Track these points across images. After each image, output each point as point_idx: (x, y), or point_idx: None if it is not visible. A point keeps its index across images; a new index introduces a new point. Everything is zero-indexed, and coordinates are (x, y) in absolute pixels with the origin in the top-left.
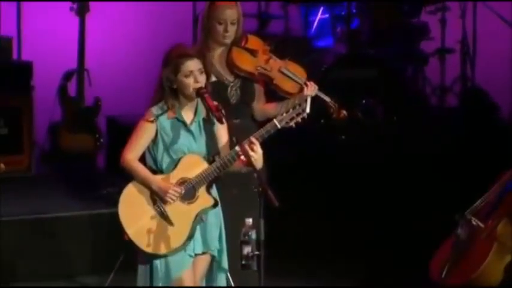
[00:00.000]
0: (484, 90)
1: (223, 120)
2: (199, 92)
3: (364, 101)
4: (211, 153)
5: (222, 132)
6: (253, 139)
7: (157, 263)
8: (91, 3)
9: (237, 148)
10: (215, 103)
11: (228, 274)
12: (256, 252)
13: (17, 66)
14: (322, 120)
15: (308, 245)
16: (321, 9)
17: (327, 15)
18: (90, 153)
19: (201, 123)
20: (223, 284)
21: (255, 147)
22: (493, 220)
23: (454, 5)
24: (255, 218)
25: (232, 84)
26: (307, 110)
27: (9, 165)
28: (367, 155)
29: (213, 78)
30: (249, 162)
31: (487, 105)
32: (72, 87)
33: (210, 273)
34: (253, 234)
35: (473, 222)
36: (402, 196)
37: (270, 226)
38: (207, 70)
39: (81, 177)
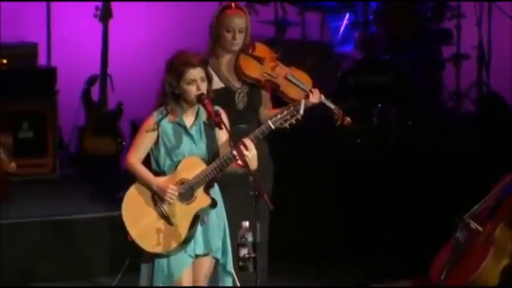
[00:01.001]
0: (499, 96)
1: (222, 125)
2: (200, 99)
3: (379, 105)
4: (211, 155)
5: (222, 136)
6: (246, 140)
7: (159, 262)
8: (114, 10)
9: (231, 151)
10: (215, 109)
11: (235, 275)
12: (253, 255)
13: (42, 72)
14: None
15: (321, 245)
16: (347, 15)
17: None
18: (112, 156)
19: (202, 127)
20: None
21: (248, 148)
22: (491, 224)
23: (469, 12)
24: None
25: (239, 90)
26: (301, 111)
27: (34, 168)
28: (381, 158)
29: (221, 85)
30: (244, 164)
31: (503, 110)
32: (95, 92)
33: (216, 277)
34: (249, 237)
35: (472, 226)
36: (415, 199)
37: (283, 227)
38: (210, 77)
39: (104, 180)
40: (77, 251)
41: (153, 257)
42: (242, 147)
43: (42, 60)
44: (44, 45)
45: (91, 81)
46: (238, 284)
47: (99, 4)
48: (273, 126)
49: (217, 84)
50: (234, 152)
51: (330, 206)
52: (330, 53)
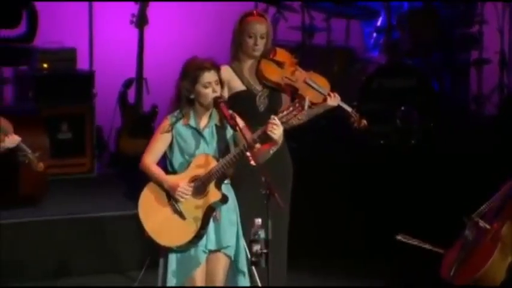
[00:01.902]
0: None
1: (237, 127)
2: (216, 102)
3: (402, 108)
4: (223, 156)
5: (239, 137)
6: (275, 119)
7: (172, 256)
8: (150, 16)
9: (241, 147)
10: (230, 112)
11: (255, 271)
12: (265, 251)
13: (80, 75)
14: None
15: (339, 245)
16: (379, 20)
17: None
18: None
19: (214, 129)
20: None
21: (278, 125)
22: (498, 222)
23: (491, 18)
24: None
25: (260, 93)
26: (306, 107)
27: (73, 167)
28: (403, 159)
29: (243, 88)
30: (255, 161)
31: None
32: (131, 95)
33: (231, 276)
34: (262, 234)
35: (480, 224)
36: (435, 199)
37: (301, 225)
38: (222, 81)
39: (138, 179)
40: (109, 246)
41: (167, 251)
42: (272, 125)
43: (80, 64)
44: (82, 49)
45: (127, 84)
46: (258, 282)
47: (135, 11)
48: (278, 122)
49: (239, 87)
50: (248, 153)
51: (352, 206)
52: (355, 57)
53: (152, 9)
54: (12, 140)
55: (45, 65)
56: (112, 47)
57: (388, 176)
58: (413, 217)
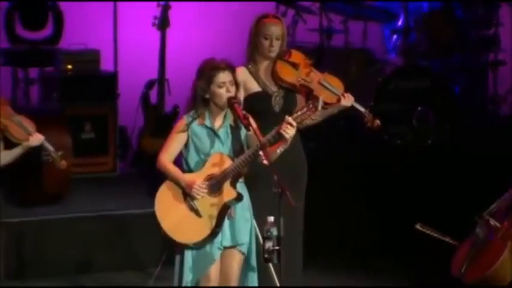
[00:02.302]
0: None
1: (250, 127)
2: (230, 102)
3: (419, 109)
4: (237, 155)
5: (251, 136)
6: (290, 119)
7: (188, 253)
8: (172, 19)
9: (255, 147)
10: (243, 112)
11: (272, 268)
12: (277, 247)
13: (104, 76)
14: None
15: (355, 244)
16: (400, 22)
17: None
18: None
19: (229, 129)
20: (255, 283)
21: (293, 125)
22: (508, 221)
23: (505, 20)
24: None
25: (276, 94)
26: (319, 108)
27: (96, 166)
28: (419, 159)
29: (259, 89)
30: (268, 160)
31: None
32: (153, 95)
33: (242, 272)
34: (274, 231)
35: (491, 223)
36: (450, 198)
37: (317, 223)
38: (237, 83)
39: (160, 178)
40: (130, 243)
41: (183, 248)
42: (287, 124)
43: (105, 65)
44: (106, 51)
45: (149, 85)
46: (276, 279)
47: (158, 14)
48: (293, 123)
49: (255, 88)
50: (261, 152)
51: (368, 205)
52: (372, 59)
53: (174, 12)
54: (36, 138)
55: (69, 66)
56: (136, 49)
57: (403, 176)
58: (428, 216)
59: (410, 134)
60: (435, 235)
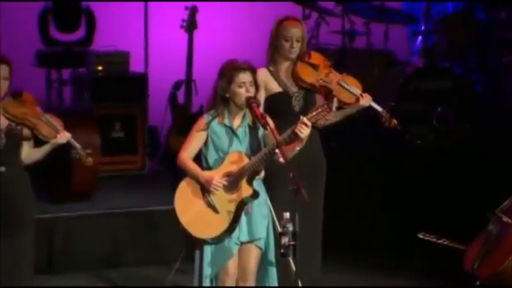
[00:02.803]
0: None
1: (268, 127)
2: (248, 102)
3: (439, 109)
4: (254, 154)
5: (268, 135)
6: (305, 119)
7: (207, 248)
8: (199, 21)
9: (272, 146)
10: (261, 111)
11: (292, 264)
12: (292, 242)
13: (133, 77)
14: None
15: (375, 240)
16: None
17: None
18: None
19: (247, 129)
20: (274, 278)
21: (308, 125)
22: None
23: None
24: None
25: (296, 94)
26: (333, 108)
27: (125, 164)
28: (439, 159)
29: (280, 89)
30: (284, 158)
31: None
32: (180, 96)
33: (262, 267)
34: (290, 227)
35: (503, 219)
36: (470, 197)
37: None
38: (257, 84)
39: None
40: (157, 239)
41: (202, 243)
42: (302, 124)
43: (136, 66)
44: (137, 52)
45: (177, 85)
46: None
47: (185, 16)
48: (308, 123)
49: (275, 88)
50: (277, 151)
51: (387, 203)
52: (394, 60)
53: (201, 14)
54: (63, 136)
55: (99, 68)
56: (165, 50)
57: (423, 176)
58: (446, 216)
59: (431, 134)
60: (439, 242)
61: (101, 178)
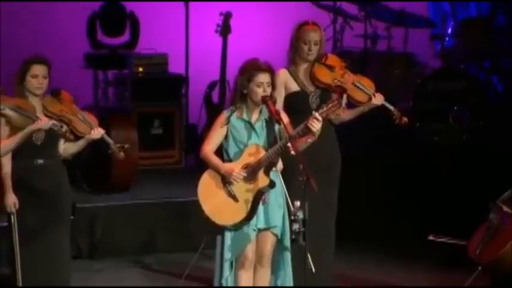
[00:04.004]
0: None
1: (281, 122)
2: (264, 99)
3: (455, 108)
4: (271, 146)
5: (283, 131)
6: (316, 114)
7: (228, 234)
8: (233, 26)
9: (285, 140)
10: (276, 108)
11: (309, 256)
12: (302, 229)
13: (171, 78)
14: (417, 124)
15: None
16: (449, 29)
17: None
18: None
19: (264, 123)
20: (289, 262)
21: (319, 120)
22: None
23: None
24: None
25: (313, 93)
26: (343, 104)
27: (163, 159)
28: (453, 155)
29: (298, 89)
30: (296, 151)
31: None
32: (215, 95)
33: (277, 252)
34: (300, 214)
35: (504, 209)
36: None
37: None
38: (274, 84)
39: None
40: (190, 227)
41: (223, 230)
42: (313, 119)
43: (175, 67)
44: (178, 54)
45: (211, 86)
46: (311, 262)
47: (220, 21)
48: (319, 117)
49: (294, 88)
50: (289, 144)
51: (401, 198)
52: (414, 62)
53: (234, 20)
54: (97, 132)
55: (140, 69)
56: (204, 52)
57: (438, 172)
58: (457, 207)
59: (447, 131)
60: (449, 241)
61: (141, 171)
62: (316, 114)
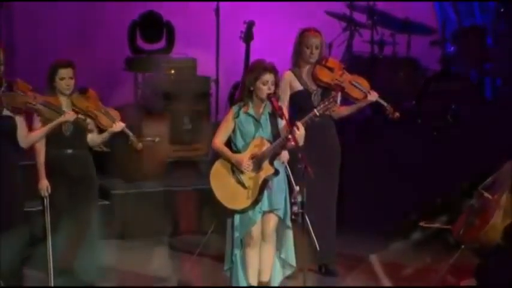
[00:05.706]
0: None
1: (283, 117)
2: (268, 97)
3: (453, 107)
4: (274, 138)
5: (284, 125)
6: (298, 123)
7: (237, 216)
8: (255, 34)
9: (286, 134)
10: (279, 105)
11: (313, 235)
12: (301, 211)
13: (199, 80)
14: (419, 121)
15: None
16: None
17: None
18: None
19: (268, 117)
20: (291, 238)
21: (299, 128)
22: (498, 194)
23: None
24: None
25: (315, 92)
26: (338, 101)
27: (192, 151)
28: (454, 147)
29: (301, 88)
30: (296, 144)
31: None
32: None
33: (281, 231)
34: (299, 198)
35: (485, 195)
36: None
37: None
38: (277, 83)
39: None
40: (213, 212)
41: (233, 213)
42: (295, 127)
43: (205, 70)
44: (209, 58)
45: (236, 86)
46: (316, 243)
47: (243, 29)
48: (317, 113)
49: (298, 87)
50: (289, 136)
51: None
52: (416, 66)
53: (257, 28)
54: (119, 126)
55: (172, 71)
56: (233, 57)
57: (437, 162)
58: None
59: (445, 127)
60: (439, 227)
61: (172, 162)
62: (314, 111)
